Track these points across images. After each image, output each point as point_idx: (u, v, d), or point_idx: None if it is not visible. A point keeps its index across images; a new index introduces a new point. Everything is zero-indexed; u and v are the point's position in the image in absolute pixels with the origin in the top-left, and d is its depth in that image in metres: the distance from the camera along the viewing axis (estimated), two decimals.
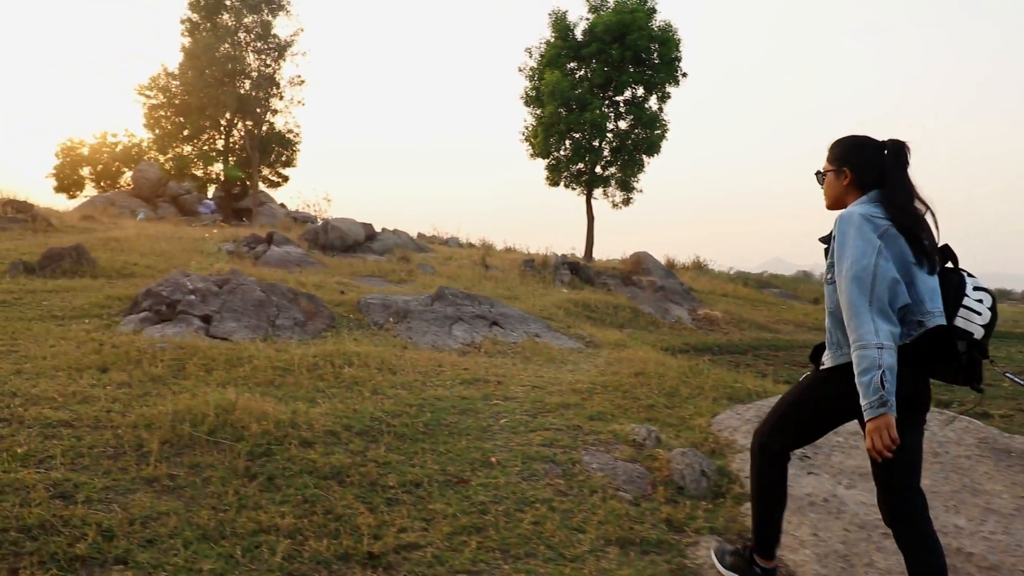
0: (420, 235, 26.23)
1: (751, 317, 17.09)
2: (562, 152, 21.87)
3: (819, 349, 2.64)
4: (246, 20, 30.01)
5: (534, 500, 3.37)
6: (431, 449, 3.87)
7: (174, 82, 29.88)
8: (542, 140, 21.24)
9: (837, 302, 2.40)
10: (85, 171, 42.97)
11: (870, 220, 2.34)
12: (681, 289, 18.60)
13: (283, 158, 32.68)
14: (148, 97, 30.20)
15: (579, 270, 17.26)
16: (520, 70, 22.78)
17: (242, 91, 30.07)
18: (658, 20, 21.24)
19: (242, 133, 31.43)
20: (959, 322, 2.32)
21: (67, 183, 42.33)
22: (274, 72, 30.81)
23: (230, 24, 29.69)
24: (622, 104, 21.89)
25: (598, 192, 22.81)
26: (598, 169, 22.00)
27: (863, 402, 2.21)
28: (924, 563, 2.35)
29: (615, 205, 23.14)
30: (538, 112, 22.34)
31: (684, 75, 21.65)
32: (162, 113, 30.12)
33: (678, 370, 6.48)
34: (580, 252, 23.29)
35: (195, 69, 28.51)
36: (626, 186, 22.45)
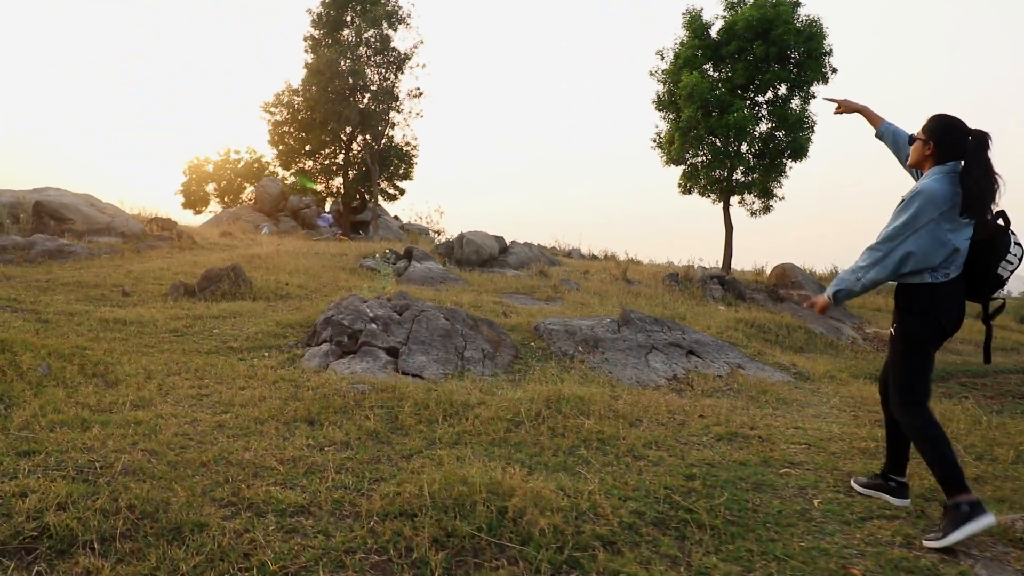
0: (540, 246, 25.44)
1: None
2: (699, 158, 20.56)
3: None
4: (366, 35, 30.15)
5: None
6: (763, 551, 2.88)
7: (297, 98, 30.31)
8: (679, 146, 20.03)
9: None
10: (210, 187, 44.65)
11: (934, 199, 3.06)
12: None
13: (401, 171, 32.67)
14: (272, 114, 30.76)
15: (729, 284, 15.96)
16: (652, 74, 21.66)
17: (361, 105, 30.20)
18: (802, 14, 19.68)
19: (361, 147, 31.61)
20: (1000, 268, 3.09)
21: (193, 199, 44.09)
22: (393, 85, 30.85)
23: (351, 40, 29.89)
24: (764, 105, 20.39)
25: (734, 199, 21.37)
26: (739, 175, 20.56)
27: (828, 291, 3.32)
28: (925, 449, 3.13)
29: (752, 213, 21.61)
30: (671, 116, 21.14)
31: (834, 71, 19.96)
32: (286, 129, 30.60)
33: (960, 420, 5.26)
34: (709, 262, 21.98)
35: (318, 85, 28.79)
36: (766, 193, 20.89)
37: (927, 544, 3.02)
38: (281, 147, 30.66)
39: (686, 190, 21.41)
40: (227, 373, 5.10)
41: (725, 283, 16.03)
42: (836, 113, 3.93)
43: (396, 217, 37.65)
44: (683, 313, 11.77)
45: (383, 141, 31.31)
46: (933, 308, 3.12)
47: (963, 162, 3.12)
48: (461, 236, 16.30)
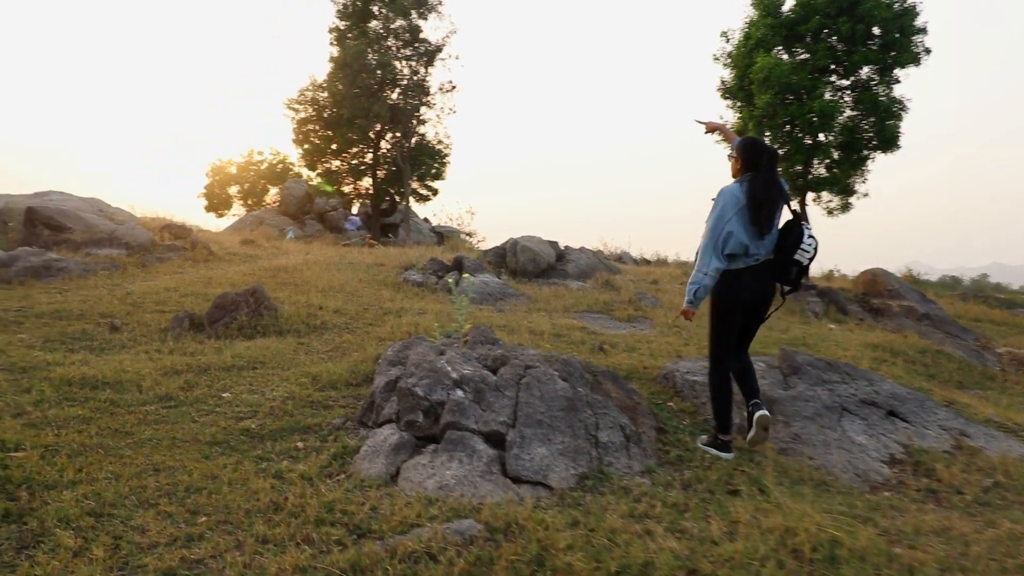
0: (594, 252, 23.26)
1: None
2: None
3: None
4: (395, 25, 28.15)
5: None
6: None
7: (322, 94, 28.37)
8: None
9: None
10: (233, 190, 43.03)
11: (735, 197, 3.97)
12: (945, 316, 14.69)
13: (433, 170, 30.62)
14: (296, 111, 28.87)
15: (828, 296, 13.70)
16: (716, 58, 19.37)
17: (390, 100, 28.19)
18: None
19: (391, 145, 29.64)
20: (797, 255, 3.93)
21: (216, 202, 42.50)
22: (424, 79, 28.82)
23: (379, 31, 27.91)
24: (848, 90, 18.08)
25: (810, 197, 19.07)
26: (821, 169, 18.24)
27: (686, 299, 4.05)
28: (713, 395, 4.25)
29: (830, 212, 19.33)
30: (741, 105, 18.88)
31: (927, 51, 17.59)
32: (311, 127, 28.70)
33: None
34: None
35: (344, 79, 26.83)
36: (847, 189, 18.53)
37: (698, 443, 4.36)
38: (306, 146, 28.77)
39: None
40: (237, 499, 3.03)
41: (823, 294, 13.79)
42: (706, 132, 4.88)
43: (426, 219, 35.65)
44: (800, 336, 9.59)
45: (414, 139, 29.33)
46: (733, 285, 4.02)
47: (752, 173, 4.06)
48: (514, 243, 14.19)
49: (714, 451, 4.19)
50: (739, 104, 18.94)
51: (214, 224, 34.63)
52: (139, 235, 12.08)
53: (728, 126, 4.78)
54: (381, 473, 3.44)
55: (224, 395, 4.60)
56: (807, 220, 19.25)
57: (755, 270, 3.99)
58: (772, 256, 4.04)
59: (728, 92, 19.19)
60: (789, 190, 18.69)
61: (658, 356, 6.87)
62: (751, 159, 4.07)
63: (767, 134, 17.93)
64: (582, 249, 17.02)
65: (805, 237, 3.93)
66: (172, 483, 3.17)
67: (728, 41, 19.31)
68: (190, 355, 5.58)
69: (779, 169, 4.04)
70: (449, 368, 4.27)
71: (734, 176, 4.19)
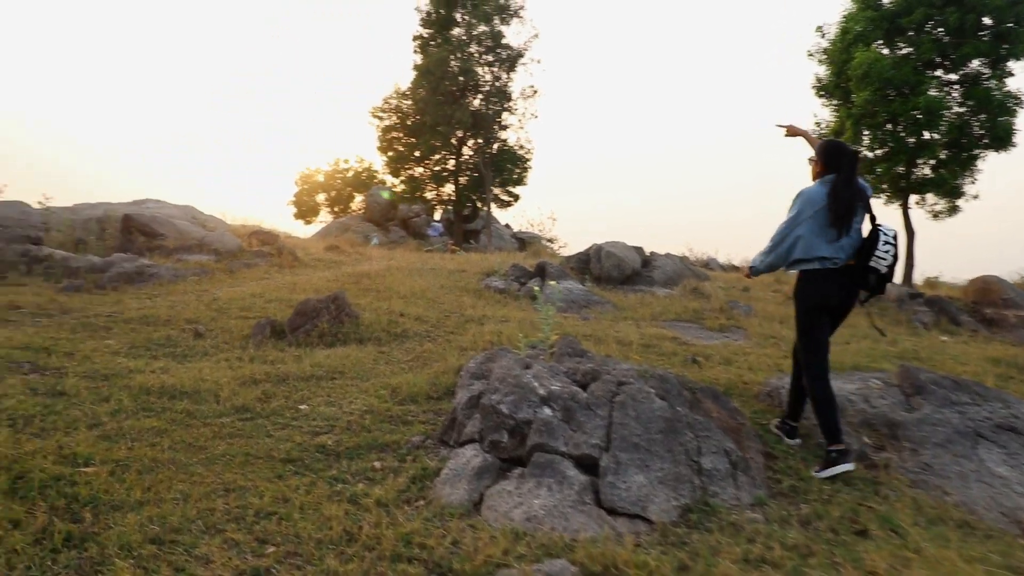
0: (681, 257, 22.54)
1: None
2: (875, 150, 17.24)
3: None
4: (477, 32, 28.16)
5: None
6: None
7: (406, 102, 28.66)
8: (851, 136, 16.80)
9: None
10: (320, 198, 44.05)
11: (812, 199, 3.99)
12: None
13: (514, 176, 30.47)
14: (381, 119, 29.26)
15: (938, 305, 12.72)
16: (811, 54, 18.48)
17: (473, 107, 28.19)
18: None
19: (473, 151, 29.64)
20: (872, 262, 3.88)
21: (304, 210, 43.60)
22: (506, 84, 28.70)
23: (462, 37, 27.98)
24: (955, 85, 16.90)
25: (913, 199, 17.93)
26: (926, 170, 17.10)
27: (752, 261, 4.30)
28: (816, 408, 4.02)
29: (935, 215, 18.10)
30: (836, 102, 17.94)
31: None
32: (394, 135, 29.02)
33: None
34: None
35: (427, 86, 27.01)
36: (954, 191, 17.31)
37: (813, 474, 3.91)
38: (390, 153, 29.12)
39: None
40: (309, 527, 2.79)
41: (932, 303, 12.81)
42: (786, 136, 4.68)
43: (507, 225, 35.56)
44: (911, 349, 8.82)
45: (496, 145, 29.25)
46: (818, 288, 4.01)
47: (834, 175, 4.03)
48: (598, 248, 13.79)
49: (832, 470, 3.87)
50: (836, 102, 18.03)
51: (302, 231, 35.52)
52: (228, 241, 12.29)
53: (811, 131, 4.47)
54: (463, 500, 3.15)
55: (301, 407, 4.41)
56: (910, 225, 18.20)
57: (834, 274, 3.99)
58: (852, 262, 4.00)
59: (823, 89, 18.29)
60: (890, 192, 17.69)
61: (757, 370, 6.38)
62: (831, 161, 4.09)
63: (866, 133, 17.00)
64: (668, 255, 16.46)
65: (880, 244, 3.89)
66: (242, 506, 2.96)
67: (824, 36, 18.44)
68: (270, 363, 5.46)
69: (865, 176, 4.01)
70: (536, 383, 3.94)
71: (814, 180, 4.21)
